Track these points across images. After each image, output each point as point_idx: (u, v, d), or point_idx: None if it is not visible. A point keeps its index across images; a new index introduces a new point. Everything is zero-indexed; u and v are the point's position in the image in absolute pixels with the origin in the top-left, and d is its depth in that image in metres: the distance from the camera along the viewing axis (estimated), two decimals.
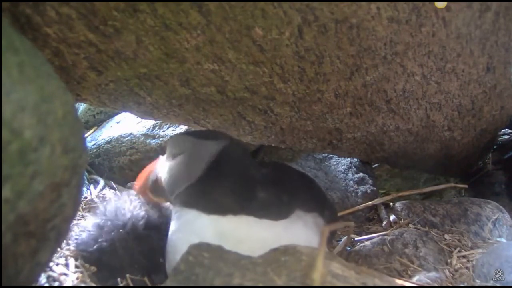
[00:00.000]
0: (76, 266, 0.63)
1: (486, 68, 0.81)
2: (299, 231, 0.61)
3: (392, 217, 1.04)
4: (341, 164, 1.23)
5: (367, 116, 0.90)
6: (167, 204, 0.74)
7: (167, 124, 1.27)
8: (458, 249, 0.87)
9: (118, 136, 1.29)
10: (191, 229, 0.59)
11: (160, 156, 0.73)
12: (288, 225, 0.60)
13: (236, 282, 0.41)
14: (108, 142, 1.29)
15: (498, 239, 0.94)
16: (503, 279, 0.68)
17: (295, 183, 0.72)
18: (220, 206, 0.59)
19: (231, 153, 0.63)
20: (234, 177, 0.61)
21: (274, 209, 0.60)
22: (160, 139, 1.24)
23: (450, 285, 0.74)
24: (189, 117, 0.90)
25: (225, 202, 0.59)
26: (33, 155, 0.37)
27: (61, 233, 0.48)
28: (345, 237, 0.89)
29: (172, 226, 0.63)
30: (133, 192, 0.75)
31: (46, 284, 0.57)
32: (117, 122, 1.39)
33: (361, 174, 1.21)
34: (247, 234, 0.57)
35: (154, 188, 0.70)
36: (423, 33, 0.68)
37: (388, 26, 0.65)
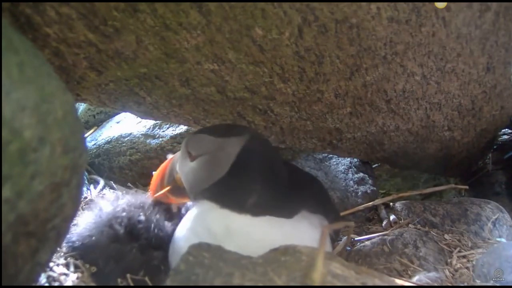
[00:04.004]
0: (76, 266, 0.63)
1: (486, 68, 0.81)
2: (306, 230, 0.62)
3: (392, 217, 1.04)
4: (341, 164, 1.23)
5: (367, 116, 0.90)
6: (189, 203, 0.73)
7: (167, 124, 1.27)
8: (458, 249, 0.87)
9: (118, 136, 1.28)
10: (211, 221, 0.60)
11: (171, 156, 0.73)
12: (296, 224, 0.61)
13: (236, 282, 0.41)
14: (108, 142, 1.29)
15: (498, 239, 0.94)
16: (503, 279, 0.68)
17: (306, 185, 0.74)
18: (240, 204, 0.60)
19: (252, 150, 0.62)
20: (255, 176, 0.62)
21: (286, 208, 0.62)
22: (160, 139, 1.24)
23: (450, 285, 0.74)
24: (189, 117, 0.90)
25: (246, 201, 0.60)
26: (33, 155, 0.37)
27: (61, 233, 0.48)
28: (345, 237, 0.89)
29: (189, 217, 0.64)
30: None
31: (46, 284, 0.57)
32: (117, 122, 1.38)
33: (361, 174, 1.21)
34: (264, 233, 0.58)
35: (174, 189, 0.70)
36: (423, 33, 0.68)
37: (388, 26, 0.65)
